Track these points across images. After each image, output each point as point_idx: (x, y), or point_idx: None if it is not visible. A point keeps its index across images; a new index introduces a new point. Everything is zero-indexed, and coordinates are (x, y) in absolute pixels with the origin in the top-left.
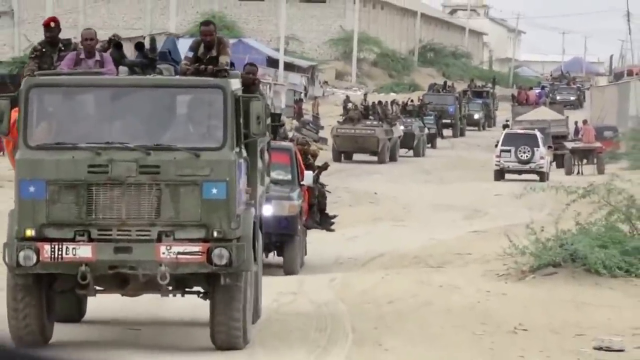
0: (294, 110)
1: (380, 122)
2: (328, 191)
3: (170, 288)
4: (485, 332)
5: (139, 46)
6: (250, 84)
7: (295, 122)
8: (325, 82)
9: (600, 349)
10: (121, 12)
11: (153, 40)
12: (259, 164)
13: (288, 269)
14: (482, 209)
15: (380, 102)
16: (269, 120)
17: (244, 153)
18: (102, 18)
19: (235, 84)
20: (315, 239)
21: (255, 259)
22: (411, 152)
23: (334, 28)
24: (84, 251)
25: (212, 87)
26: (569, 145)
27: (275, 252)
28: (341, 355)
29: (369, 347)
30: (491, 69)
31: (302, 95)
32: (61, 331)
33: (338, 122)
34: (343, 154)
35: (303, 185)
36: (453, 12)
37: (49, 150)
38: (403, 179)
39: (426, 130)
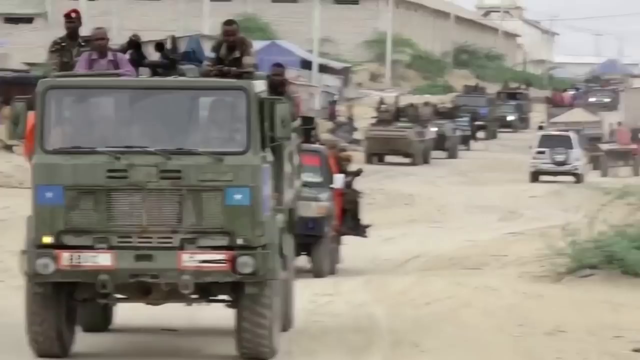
0: (328, 112)
1: (413, 124)
2: (360, 197)
3: (195, 297)
4: (522, 334)
5: (160, 46)
6: (278, 86)
7: (329, 124)
8: (360, 84)
9: (638, 351)
10: (155, 14)
11: (174, 40)
12: (288, 167)
13: (316, 272)
14: (517, 211)
15: (412, 104)
16: (298, 122)
17: (270, 157)
18: (136, 20)
19: (260, 86)
20: (351, 240)
21: (284, 267)
22: (445, 154)
23: (368, 30)
24: (104, 259)
25: (235, 89)
26: (604, 147)
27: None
28: (378, 356)
29: (406, 348)
30: (525, 71)
31: (336, 97)
32: (87, 340)
33: (370, 124)
34: (375, 156)
35: (333, 188)
36: (487, 13)
37: (66, 155)
38: (438, 180)
39: (459, 132)
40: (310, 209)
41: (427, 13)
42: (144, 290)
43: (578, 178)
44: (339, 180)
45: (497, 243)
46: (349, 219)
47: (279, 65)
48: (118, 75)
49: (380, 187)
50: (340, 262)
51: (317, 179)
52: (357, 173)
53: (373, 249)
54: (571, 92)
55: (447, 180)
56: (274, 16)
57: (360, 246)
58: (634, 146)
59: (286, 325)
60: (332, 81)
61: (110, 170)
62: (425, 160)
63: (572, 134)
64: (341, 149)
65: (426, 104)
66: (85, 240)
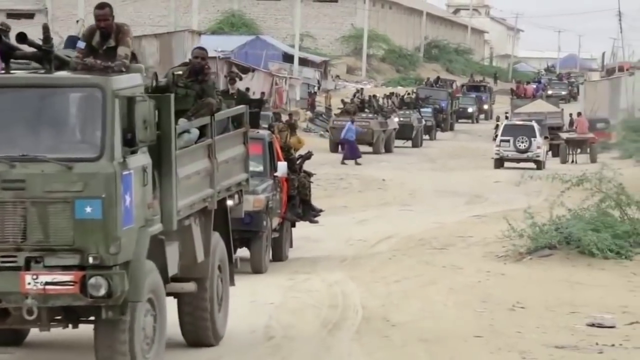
0: (308, 103)
1: (375, 115)
2: (311, 181)
3: (58, 318)
4: (485, 310)
5: (21, 37)
6: (200, 71)
7: (309, 114)
8: (337, 77)
9: (592, 325)
10: (147, 10)
11: (46, 29)
12: (207, 163)
13: (255, 267)
14: (482, 195)
15: (374, 96)
16: (242, 108)
17: (143, 161)
18: (129, 16)
19: (127, 81)
20: (326, 222)
21: (197, 274)
22: (409, 143)
23: (345, 26)
24: None
25: (89, 87)
26: (564, 135)
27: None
28: (352, 330)
29: (377, 322)
30: (492, 65)
31: (316, 88)
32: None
33: (334, 114)
34: (340, 145)
35: (277, 176)
36: (456, 11)
37: None
38: (409, 166)
39: (423, 122)
40: (246, 203)
41: (400, 10)
42: (2, 313)
43: (539, 165)
44: (282, 168)
45: (463, 225)
46: (297, 205)
47: (200, 48)
48: None
49: (355, 172)
50: (291, 247)
51: (258, 168)
52: (307, 157)
53: (348, 230)
54: (533, 85)
55: (418, 166)
56: (259, 13)
57: (335, 227)
58: (591, 135)
59: (214, 336)
60: (311, 74)
61: None
62: (388, 149)
63: (534, 124)
64: (287, 129)
65: (391, 95)
66: None
